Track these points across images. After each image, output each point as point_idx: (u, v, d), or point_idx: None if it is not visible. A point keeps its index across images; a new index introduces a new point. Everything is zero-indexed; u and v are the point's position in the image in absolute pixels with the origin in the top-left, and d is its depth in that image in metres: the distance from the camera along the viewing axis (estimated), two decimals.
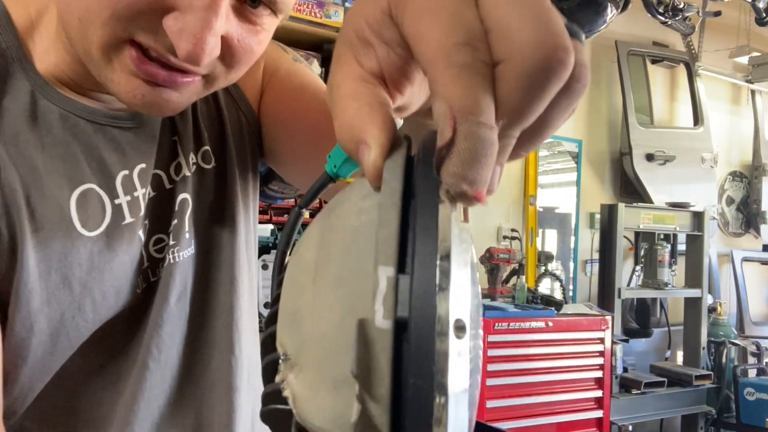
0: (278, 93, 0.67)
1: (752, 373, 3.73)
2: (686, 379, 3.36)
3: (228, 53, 0.48)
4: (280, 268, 0.29)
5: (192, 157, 0.61)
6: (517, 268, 3.25)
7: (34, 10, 0.52)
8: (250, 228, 0.68)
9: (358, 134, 0.24)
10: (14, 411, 0.53)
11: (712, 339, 3.77)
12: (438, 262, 0.20)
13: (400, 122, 0.32)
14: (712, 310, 3.85)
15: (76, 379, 0.55)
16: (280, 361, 0.24)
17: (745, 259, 4.47)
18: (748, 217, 4.60)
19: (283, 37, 2.49)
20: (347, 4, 2.55)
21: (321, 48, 2.66)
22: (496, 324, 2.64)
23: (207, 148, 0.63)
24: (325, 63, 2.69)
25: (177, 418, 0.60)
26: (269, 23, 0.49)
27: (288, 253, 0.29)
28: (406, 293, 0.20)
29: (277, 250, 0.30)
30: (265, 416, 0.25)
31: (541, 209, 3.72)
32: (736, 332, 4.00)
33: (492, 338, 2.64)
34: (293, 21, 2.41)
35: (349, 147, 0.25)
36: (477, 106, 0.21)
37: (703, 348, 3.67)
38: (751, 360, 3.96)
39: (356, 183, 0.26)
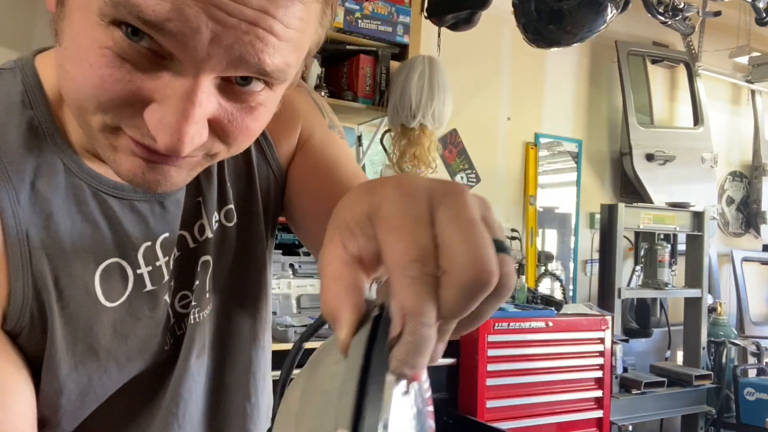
0: (308, 163, 0.68)
1: (752, 373, 3.73)
2: (686, 379, 3.36)
3: (222, 133, 0.46)
4: (279, 398, 0.35)
5: (215, 216, 0.63)
6: (517, 268, 3.25)
7: None
8: (269, 279, 0.70)
9: (334, 312, 0.31)
10: None
11: (712, 339, 3.77)
12: (380, 429, 0.27)
13: (373, 289, 0.38)
14: (712, 310, 3.85)
15: (101, 426, 0.58)
16: None
17: (745, 259, 4.47)
18: (748, 217, 4.60)
19: None
20: (347, 4, 2.55)
21: (321, 48, 2.65)
22: (496, 324, 2.64)
23: (231, 206, 0.65)
24: (325, 63, 2.69)
25: None
26: (266, 98, 0.46)
27: (287, 383, 0.36)
28: None
29: (279, 380, 0.37)
30: None
31: (541, 209, 3.72)
32: (736, 332, 4.00)
33: (492, 338, 2.64)
34: None
35: (329, 319, 0.32)
36: (420, 310, 0.28)
37: (703, 348, 3.67)
38: (751, 360, 3.96)
39: (333, 345, 0.32)
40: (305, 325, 2.37)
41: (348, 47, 2.65)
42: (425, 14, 2.81)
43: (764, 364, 3.87)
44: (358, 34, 2.60)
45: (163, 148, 0.42)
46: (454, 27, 2.83)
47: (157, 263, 0.58)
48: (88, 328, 0.54)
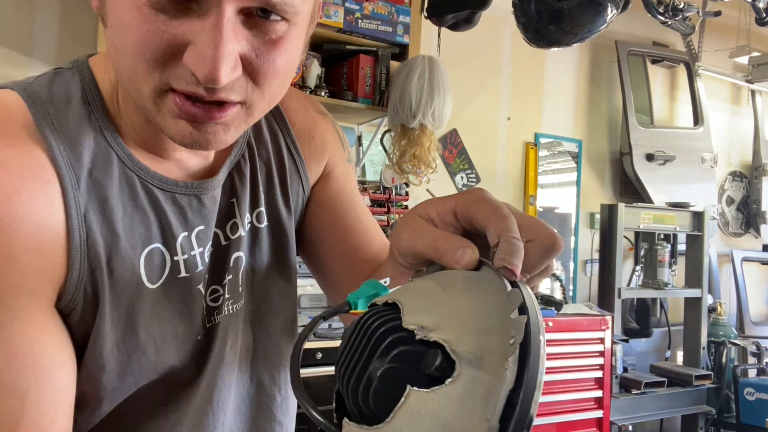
0: (332, 192, 0.77)
1: (752, 373, 3.72)
2: (686, 379, 3.36)
3: (252, 71, 0.50)
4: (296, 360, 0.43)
5: (248, 217, 0.68)
6: None
7: (114, 74, 0.58)
8: (295, 268, 0.76)
9: (460, 242, 0.42)
10: (85, 426, 0.58)
11: (712, 339, 3.77)
12: (530, 291, 0.38)
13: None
14: (712, 310, 3.85)
15: (139, 410, 0.61)
16: (416, 330, 0.36)
17: (745, 259, 4.47)
18: (748, 217, 4.60)
19: None
20: (347, 4, 2.55)
21: (321, 48, 2.66)
22: None
23: (261, 209, 0.70)
24: (325, 63, 2.69)
25: None
26: (286, 31, 0.50)
27: (300, 352, 0.43)
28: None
29: (298, 341, 0.44)
30: (396, 357, 0.36)
31: (541, 209, 3.72)
32: (736, 332, 3.99)
33: None
34: None
35: (446, 249, 0.42)
36: (512, 229, 0.41)
37: (703, 348, 3.66)
38: (751, 360, 3.96)
39: (446, 274, 0.41)
40: (304, 326, 2.37)
41: (348, 47, 2.65)
42: (425, 14, 2.81)
43: (764, 364, 3.86)
44: (358, 34, 2.60)
45: (204, 79, 0.47)
46: (454, 27, 2.83)
47: (192, 252, 0.63)
48: (131, 307, 0.57)
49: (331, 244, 0.75)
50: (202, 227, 0.63)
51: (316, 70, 2.58)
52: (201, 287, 0.64)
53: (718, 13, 3.32)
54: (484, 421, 0.32)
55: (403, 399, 0.34)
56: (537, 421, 2.72)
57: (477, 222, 0.42)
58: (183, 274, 0.62)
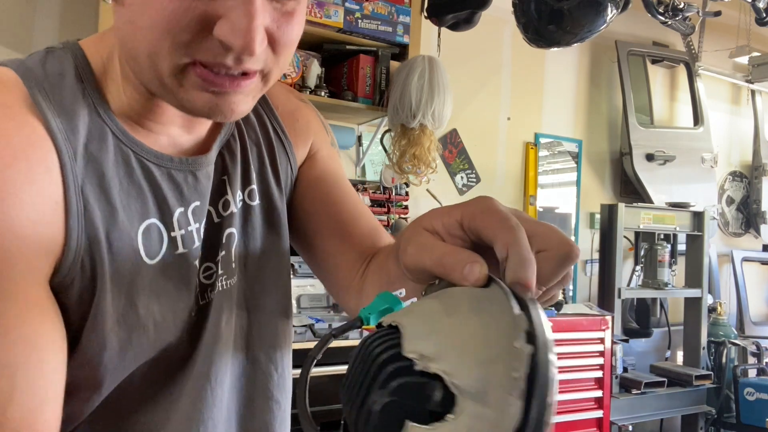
0: (317, 171, 0.78)
1: (752, 373, 3.72)
2: (686, 379, 3.36)
3: (273, 42, 0.53)
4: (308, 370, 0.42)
5: (239, 194, 0.69)
6: None
7: (106, 54, 0.60)
8: (288, 248, 0.76)
9: (468, 257, 0.39)
10: (82, 413, 0.58)
11: (712, 339, 3.77)
12: (540, 312, 0.35)
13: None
14: (712, 310, 3.85)
15: (138, 389, 0.60)
16: (416, 359, 0.34)
17: (745, 259, 4.47)
18: (748, 217, 4.60)
19: None
20: (347, 4, 2.55)
21: (321, 48, 2.65)
22: None
23: (253, 187, 0.71)
24: (325, 63, 2.69)
25: (224, 421, 0.68)
26: (298, 5, 0.54)
27: (312, 365, 0.42)
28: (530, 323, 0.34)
29: (306, 363, 0.42)
30: (396, 390, 0.34)
31: (541, 209, 3.72)
32: (736, 332, 3.99)
33: None
34: None
35: (453, 265, 0.39)
36: (521, 242, 0.38)
37: (703, 348, 3.66)
38: (751, 360, 3.96)
39: (452, 292, 0.39)
40: (305, 325, 2.37)
41: (348, 47, 2.65)
42: (425, 14, 2.81)
43: (764, 364, 3.86)
44: (358, 34, 2.60)
45: (239, 49, 0.49)
46: (454, 27, 2.82)
47: (189, 228, 0.63)
48: (131, 282, 0.58)
49: (321, 221, 0.75)
50: (197, 203, 0.64)
51: (316, 70, 2.58)
52: (197, 263, 0.64)
53: (718, 13, 3.32)
54: None
55: None
56: None
57: (484, 235, 0.40)
58: (181, 250, 0.62)
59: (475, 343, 0.33)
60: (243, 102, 0.55)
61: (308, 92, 2.56)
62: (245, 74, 0.53)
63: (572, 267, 0.41)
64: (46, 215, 0.52)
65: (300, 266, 2.57)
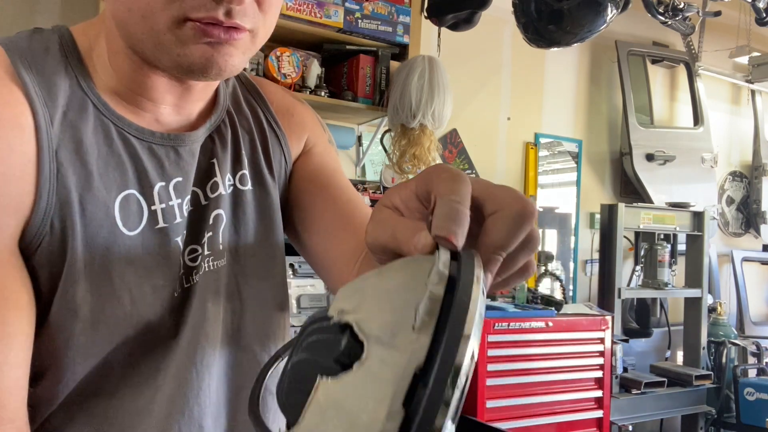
0: (313, 166, 0.78)
1: (752, 373, 3.72)
2: (686, 379, 3.36)
3: (260, 1, 0.56)
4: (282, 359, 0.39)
5: (229, 178, 0.69)
6: None
7: (93, 36, 0.62)
8: (282, 240, 0.76)
9: (415, 227, 0.37)
10: (56, 396, 0.57)
11: (712, 339, 3.77)
12: (476, 263, 0.32)
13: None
14: (712, 310, 3.85)
15: (118, 372, 0.59)
16: (335, 313, 0.33)
17: (745, 259, 4.47)
18: (748, 217, 4.60)
19: (284, 37, 2.49)
20: (347, 4, 2.55)
21: (321, 48, 2.65)
22: (496, 324, 2.64)
23: (245, 172, 0.71)
24: (325, 63, 2.69)
25: (213, 409, 0.67)
26: None
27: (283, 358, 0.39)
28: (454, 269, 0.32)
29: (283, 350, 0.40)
30: (309, 346, 0.32)
31: (541, 209, 3.72)
32: (736, 332, 3.99)
33: (492, 338, 2.64)
34: (293, 21, 2.40)
35: (403, 238, 0.37)
36: (452, 191, 0.36)
37: (703, 348, 3.66)
38: (751, 360, 3.96)
39: (396, 261, 0.36)
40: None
41: (348, 47, 2.65)
42: (425, 14, 2.81)
43: (764, 364, 3.86)
44: (358, 34, 2.60)
45: None
46: (454, 27, 2.82)
47: (170, 203, 0.63)
48: (105, 249, 0.58)
49: (317, 215, 0.75)
50: (179, 179, 0.64)
51: (316, 70, 2.58)
52: (179, 240, 0.64)
53: (718, 13, 3.33)
54: (385, 405, 0.27)
55: (312, 393, 0.30)
56: (537, 421, 2.72)
57: (432, 197, 0.38)
58: (161, 224, 0.62)
59: (394, 293, 0.32)
60: (236, 55, 0.57)
61: (308, 92, 2.56)
62: (236, 27, 0.55)
63: (534, 228, 0.38)
64: (15, 171, 0.52)
65: (300, 266, 2.57)
